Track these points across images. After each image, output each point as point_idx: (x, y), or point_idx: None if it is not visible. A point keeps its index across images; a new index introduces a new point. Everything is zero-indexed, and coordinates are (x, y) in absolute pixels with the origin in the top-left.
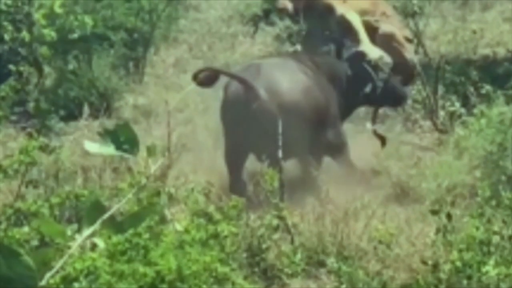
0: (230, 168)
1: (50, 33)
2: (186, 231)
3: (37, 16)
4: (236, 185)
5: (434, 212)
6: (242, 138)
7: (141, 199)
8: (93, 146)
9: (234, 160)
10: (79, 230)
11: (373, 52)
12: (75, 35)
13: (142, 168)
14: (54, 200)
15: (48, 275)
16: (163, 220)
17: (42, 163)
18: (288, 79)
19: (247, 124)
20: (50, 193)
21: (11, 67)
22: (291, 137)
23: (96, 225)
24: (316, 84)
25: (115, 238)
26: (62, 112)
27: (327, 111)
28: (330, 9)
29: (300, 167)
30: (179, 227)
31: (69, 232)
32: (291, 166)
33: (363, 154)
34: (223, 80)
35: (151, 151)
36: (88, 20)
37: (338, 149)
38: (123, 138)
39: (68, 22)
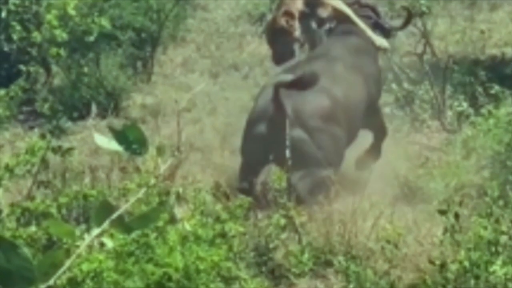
0: (244, 176)
1: (61, 34)
2: (193, 229)
3: (48, 17)
4: (244, 189)
5: (442, 212)
6: (263, 153)
7: (150, 199)
8: (102, 140)
9: (251, 170)
10: (87, 230)
11: (376, 39)
12: (92, 38)
13: (150, 168)
14: (62, 199)
15: (56, 275)
16: (172, 220)
17: (50, 163)
18: (321, 95)
19: (270, 138)
20: (58, 192)
21: (21, 67)
22: (308, 158)
23: (105, 225)
24: (357, 81)
25: (122, 239)
26: (70, 112)
27: (369, 105)
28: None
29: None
30: (188, 227)
31: (77, 233)
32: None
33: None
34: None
35: (160, 151)
36: (105, 22)
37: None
38: (132, 138)
39: (84, 24)
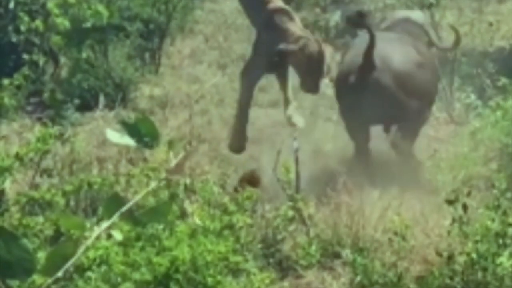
0: (355, 139)
1: (63, 22)
2: (201, 221)
3: (50, 5)
4: (361, 156)
5: (450, 202)
6: (360, 109)
7: (158, 191)
8: (114, 135)
9: (358, 130)
10: (97, 223)
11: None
12: (89, 24)
13: (158, 158)
14: (68, 188)
15: (65, 266)
16: (183, 214)
17: (57, 153)
18: (401, 53)
19: (363, 94)
20: (63, 181)
21: (25, 56)
22: (400, 108)
23: (115, 218)
24: (426, 61)
25: (129, 231)
26: (77, 103)
27: (430, 89)
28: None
29: (404, 139)
30: (198, 221)
31: (87, 225)
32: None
33: (378, 145)
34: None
35: (172, 145)
36: (101, 9)
37: (415, 128)
38: (143, 131)
39: (81, 11)
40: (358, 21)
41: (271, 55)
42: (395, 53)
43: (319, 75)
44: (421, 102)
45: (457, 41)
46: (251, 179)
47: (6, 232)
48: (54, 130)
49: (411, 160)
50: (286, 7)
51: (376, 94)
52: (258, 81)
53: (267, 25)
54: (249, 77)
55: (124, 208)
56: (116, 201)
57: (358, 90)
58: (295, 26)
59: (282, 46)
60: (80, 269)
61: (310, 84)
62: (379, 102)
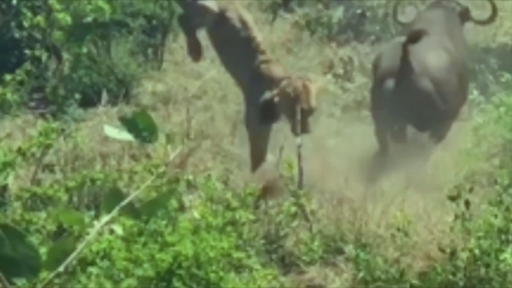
0: (380, 140)
1: (65, 18)
2: (203, 217)
3: (52, 0)
4: (384, 157)
5: (452, 198)
6: (396, 112)
7: (159, 186)
8: (112, 131)
9: (384, 133)
10: (97, 217)
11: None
12: (89, 19)
13: (161, 155)
14: (71, 184)
15: (66, 261)
16: (181, 208)
17: (60, 149)
18: (437, 56)
19: (401, 97)
20: (67, 178)
21: (27, 52)
22: (436, 113)
23: (114, 212)
24: (457, 62)
25: (131, 227)
26: (80, 98)
27: (463, 91)
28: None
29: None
30: (196, 214)
31: (87, 219)
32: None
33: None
34: None
35: (170, 138)
36: (102, 4)
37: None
38: (142, 126)
39: (82, 6)
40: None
41: (261, 106)
42: (432, 57)
43: (308, 113)
44: (455, 106)
45: (494, 14)
46: (273, 188)
47: (12, 230)
48: (57, 125)
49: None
50: (270, 58)
51: (414, 99)
52: (268, 131)
53: (253, 78)
54: (253, 129)
55: (124, 202)
56: (116, 196)
57: (396, 95)
58: (279, 69)
59: (266, 95)
60: (83, 263)
61: (303, 125)
62: (416, 107)
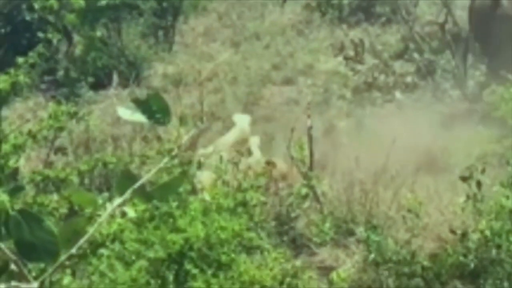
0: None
1: (78, 1)
2: (214, 198)
3: None
4: None
5: (464, 179)
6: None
7: (171, 168)
8: (125, 113)
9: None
10: (109, 199)
11: None
12: (104, 2)
13: (172, 137)
14: (83, 167)
15: (78, 243)
16: (193, 190)
17: (72, 131)
18: None
19: (492, 29)
20: (79, 161)
21: (40, 35)
22: None
23: (127, 195)
24: None
25: (142, 206)
26: (91, 81)
27: None
28: None
29: None
30: (207, 197)
31: (99, 201)
32: None
33: (391, 123)
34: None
35: (183, 120)
36: None
37: None
38: (155, 108)
39: None
40: None
41: None
42: None
43: None
44: None
45: None
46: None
47: (29, 214)
48: (67, 107)
49: None
50: None
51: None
52: None
53: None
54: None
55: (136, 185)
56: (128, 178)
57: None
58: None
59: None
60: (94, 245)
61: None
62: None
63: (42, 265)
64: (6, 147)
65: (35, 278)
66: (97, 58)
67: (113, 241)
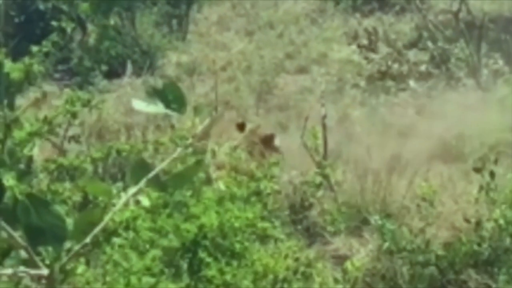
0: None
1: None
2: (227, 187)
3: None
4: None
5: (477, 170)
6: None
7: (185, 157)
8: (140, 104)
9: None
10: (124, 189)
11: None
12: None
13: (185, 126)
14: (96, 154)
15: (92, 232)
16: (208, 180)
17: (85, 120)
18: None
19: None
20: (93, 149)
21: (53, 23)
22: None
23: (141, 184)
24: None
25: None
26: (105, 70)
27: None
28: None
29: None
30: (222, 186)
31: (114, 191)
32: None
33: (405, 111)
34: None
35: (197, 110)
36: None
37: None
38: (171, 97)
39: None
40: None
41: None
42: None
43: None
44: None
45: None
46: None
47: (37, 199)
48: (82, 94)
49: None
50: None
51: None
52: None
53: None
54: None
55: (150, 174)
56: (142, 167)
57: None
58: None
59: None
60: (106, 233)
61: None
62: None
63: (50, 249)
64: (21, 134)
65: (48, 266)
66: (110, 47)
67: (126, 228)
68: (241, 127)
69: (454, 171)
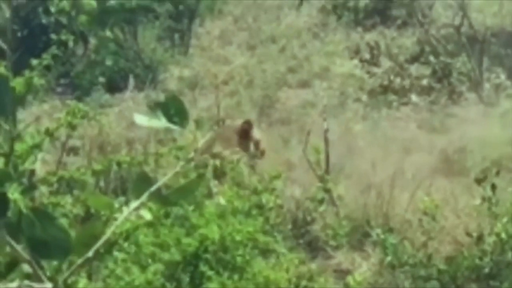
0: None
1: (89, 2)
2: (229, 201)
3: None
4: None
5: (479, 181)
6: None
7: (187, 171)
8: (142, 119)
9: None
10: (126, 203)
11: None
12: (112, 3)
13: (187, 140)
14: (97, 167)
15: (94, 246)
16: (209, 194)
17: (86, 134)
18: None
19: None
20: (93, 162)
21: (53, 36)
22: None
23: (143, 198)
24: None
25: (158, 212)
26: (107, 84)
27: None
28: None
29: None
30: (223, 201)
31: (116, 205)
32: None
33: (407, 125)
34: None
35: (199, 124)
36: None
37: None
38: (173, 111)
39: None
40: None
41: None
42: None
43: None
44: None
45: None
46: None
47: (42, 212)
48: (83, 106)
49: None
50: None
51: None
52: None
53: None
54: None
55: (152, 188)
56: (144, 181)
57: None
58: None
59: None
60: (107, 244)
61: None
62: None
63: (54, 263)
64: (23, 146)
65: (50, 279)
66: (112, 61)
67: (126, 239)
68: (243, 133)
69: (456, 185)
